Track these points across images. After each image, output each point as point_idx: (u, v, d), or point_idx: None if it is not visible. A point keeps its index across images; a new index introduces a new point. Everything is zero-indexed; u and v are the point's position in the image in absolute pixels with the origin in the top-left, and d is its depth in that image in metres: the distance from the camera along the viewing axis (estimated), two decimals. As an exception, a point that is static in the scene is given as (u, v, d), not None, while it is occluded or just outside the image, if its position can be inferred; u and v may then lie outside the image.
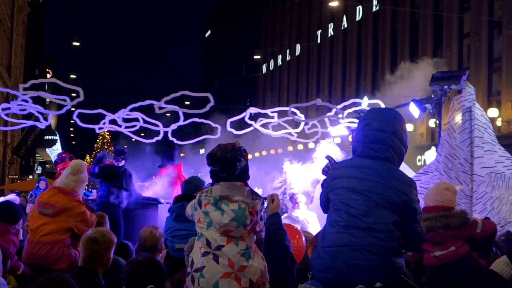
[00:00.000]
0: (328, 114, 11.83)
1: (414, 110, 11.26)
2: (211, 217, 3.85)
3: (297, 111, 11.89)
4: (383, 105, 11.50)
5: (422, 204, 4.41)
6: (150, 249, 5.52)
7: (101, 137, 71.08)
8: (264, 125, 12.28)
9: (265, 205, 4.23)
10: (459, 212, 5.28)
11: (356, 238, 3.41)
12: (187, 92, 11.35)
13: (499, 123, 27.19)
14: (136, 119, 11.81)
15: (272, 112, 12.25)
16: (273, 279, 3.99)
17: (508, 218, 8.25)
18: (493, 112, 26.62)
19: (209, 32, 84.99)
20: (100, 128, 12.00)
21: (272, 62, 57.46)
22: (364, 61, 40.40)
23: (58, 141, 37.19)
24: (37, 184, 15.11)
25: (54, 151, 39.92)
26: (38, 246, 6.16)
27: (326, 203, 3.80)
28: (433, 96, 10.41)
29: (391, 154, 3.57)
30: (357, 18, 41.65)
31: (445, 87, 9.45)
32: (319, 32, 47.68)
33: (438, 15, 32.30)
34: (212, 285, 3.74)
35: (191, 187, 5.56)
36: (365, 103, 12.22)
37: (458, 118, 8.88)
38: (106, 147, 70.59)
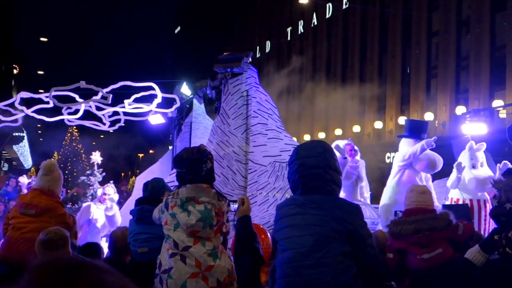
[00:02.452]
0: (94, 97, 11.13)
1: (185, 90, 10.59)
2: (178, 218, 3.90)
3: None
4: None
5: None
6: (120, 250, 5.48)
7: (69, 134, 70.39)
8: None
9: (236, 207, 4.25)
10: (444, 214, 5.32)
11: (307, 278, 3.32)
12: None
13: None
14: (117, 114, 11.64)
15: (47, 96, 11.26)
16: (242, 281, 4.01)
17: None
18: (460, 109, 26.99)
19: (178, 28, 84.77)
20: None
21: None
22: (333, 58, 40.64)
23: (25, 137, 36.78)
24: (7, 182, 14.93)
25: (21, 148, 39.46)
26: (19, 243, 6.12)
27: (274, 246, 3.72)
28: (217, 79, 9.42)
29: (331, 187, 3.51)
30: (327, 16, 41.87)
31: (228, 69, 8.70)
32: (289, 29, 47.84)
33: (407, 13, 32.63)
34: (180, 286, 3.80)
35: (150, 189, 5.50)
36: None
37: (233, 102, 8.33)
38: (74, 144, 69.96)
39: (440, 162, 9.37)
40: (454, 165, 9.49)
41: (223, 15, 65.12)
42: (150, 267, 4.40)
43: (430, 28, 31.62)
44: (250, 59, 8.71)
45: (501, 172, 9.88)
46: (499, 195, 3.89)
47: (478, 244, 4.13)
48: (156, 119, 11.59)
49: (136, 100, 11.42)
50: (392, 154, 31.70)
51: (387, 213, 8.93)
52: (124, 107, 11.31)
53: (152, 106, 11.17)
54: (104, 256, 6.09)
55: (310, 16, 43.94)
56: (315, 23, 43.57)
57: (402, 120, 31.22)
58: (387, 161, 31.99)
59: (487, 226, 8.74)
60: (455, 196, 10.04)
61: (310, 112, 34.57)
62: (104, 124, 11.90)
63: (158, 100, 11.19)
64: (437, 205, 8.79)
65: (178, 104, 11.11)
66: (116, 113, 11.71)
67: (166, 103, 11.43)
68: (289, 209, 3.55)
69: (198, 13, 74.63)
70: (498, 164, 10.02)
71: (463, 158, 9.81)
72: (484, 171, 9.71)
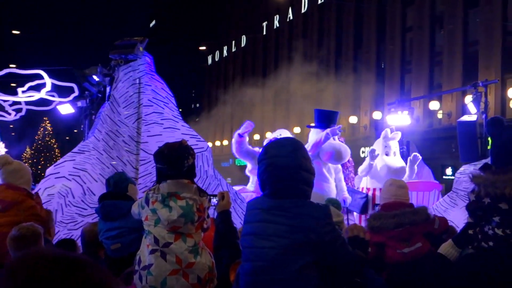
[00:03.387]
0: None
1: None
2: (159, 214, 3.86)
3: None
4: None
5: None
6: (93, 246, 5.43)
7: (41, 129, 69.50)
8: None
9: (215, 202, 4.24)
10: (423, 209, 5.38)
11: None
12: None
13: (440, 115, 27.85)
14: None
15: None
16: (221, 276, 3.99)
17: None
18: (434, 105, 27.23)
19: (153, 22, 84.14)
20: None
21: (217, 53, 57.33)
22: (309, 53, 40.69)
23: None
24: None
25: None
26: None
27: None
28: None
29: (301, 188, 3.31)
30: (303, 10, 41.91)
31: (123, 56, 8.26)
32: (264, 23, 47.79)
33: (382, 9, 32.80)
34: (160, 283, 3.75)
35: (112, 184, 5.42)
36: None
37: (123, 90, 7.92)
38: (47, 139, 69.14)
39: (346, 152, 9.13)
40: (367, 152, 9.56)
41: (199, 9, 64.81)
42: (126, 262, 4.39)
43: (404, 24, 31.83)
44: (144, 46, 8.20)
45: (413, 163, 9.97)
46: (478, 190, 3.89)
47: (451, 239, 4.15)
48: (65, 109, 11.16)
49: (56, 89, 11.13)
50: (367, 148, 31.93)
51: None
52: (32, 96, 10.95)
53: (41, 94, 10.86)
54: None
55: (286, 10, 43.95)
56: (291, 17, 43.60)
57: (377, 115, 31.44)
58: (362, 155, 32.18)
59: None
60: (365, 184, 10.09)
61: (285, 106, 34.63)
62: (10, 114, 11.59)
63: (47, 88, 10.86)
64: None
65: (76, 93, 10.81)
66: (18, 102, 11.37)
67: (81, 92, 11.03)
68: (255, 214, 3.36)
69: (174, 7, 74.17)
70: (409, 157, 10.09)
71: (377, 145, 9.81)
72: (396, 160, 9.68)
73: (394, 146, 9.87)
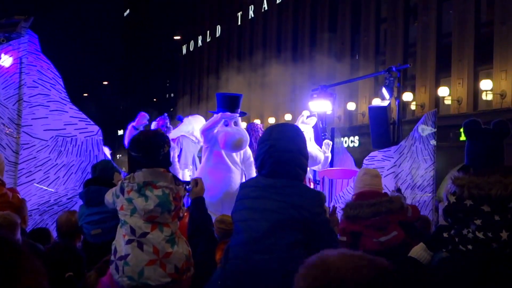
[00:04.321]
0: None
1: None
2: (135, 203, 3.83)
3: None
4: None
5: None
6: (68, 235, 5.39)
7: None
8: None
9: (189, 188, 4.25)
10: (397, 197, 5.42)
11: (255, 263, 3.35)
12: None
13: (413, 107, 28.09)
14: None
15: None
16: (197, 263, 4.01)
17: None
18: (407, 96, 27.45)
19: (128, 11, 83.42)
20: None
21: (192, 43, 57.06)
22: (283, 43, 40.72)
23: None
24: None
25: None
26: None
27: (233, 223, 3.70)
28: None
29: (297, 171, 3.54)
30: (278, 1, 41.85)
31: (6, 34, 7.72)
32: (239, 14, 47.64)
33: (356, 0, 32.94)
34: (137, 273, 3.74)
35: (98, 171, 5.43)
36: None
37: (3, 70, 7.38)
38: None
39: (244, 139, 8.56)
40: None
41: (173, -1, 64.38)
42: (104, 249, 4.36)
43: (378, 15, 31.98)
44: (29, 25, 7.62)
45: (326, 149, 9.83)
46: (460, 191, 3.79)
47: (422, 242, 4.08)
48: None
49: None
50: (344, 139, 32.10)
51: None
52: None
53: None
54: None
55: (261, 1, 43.86)
56: (266, 8, 43.52)
57: (351, 105, 31.59)
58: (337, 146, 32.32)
59: None
60: None
61: (260, 95, 34.61)
62: None
63: None
64: None
65: None
66: None
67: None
68: (250, 190, 3.56)
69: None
70: (324, 141, 9.92)
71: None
72: (310, 146, 9.45)
73: (309, 131, 9.52)
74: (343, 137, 31.99)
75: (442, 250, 3.85)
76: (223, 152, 8.51)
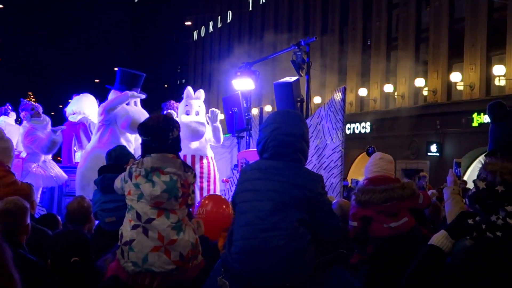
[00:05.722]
0: None
1: None
2: (142, 189, 3.82)
3: None
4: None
5: None
6: (78, 221, 5.40)
7: None
8: None
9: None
10: (410, 183, 5.41)
11: (262, 241, 3.41)
12: None
13: (425, 92, 27.91)
14: None
15: None
16: (210, 255, 4.08)
17: None
18: (419, 82, 27.25)
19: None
20: None
21: (203, 29, 56.90)
22: (295, 28, 40.51)
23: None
24: None
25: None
26: None
27: (233, 207, 3.79)
28: None
29: (298, 156, 3.64)
30: (289, -14, 41.63)
31: None
32: (250, -1, 47.45)
33: (368, -15, 32.69)
34: (141, 259, 3.72)
35: (113, 157, 5.43)
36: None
37: None
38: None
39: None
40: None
41: (183, -16, 64.13)
42: (118, 236, 4.36)
43: (390, 1, 31.71)
44: None
45: (212, 121, 9.40)
46: (492, 177, 3.70)
47: (443, 230, 4.01)
48: None
49: None
50: (353, 125, 32.00)
51: (83, 180, 7.97)
52: None
53: None
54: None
55: (272, -14, 43.62)
56: (277, -7, 43.29)
57: (362, 91, 31.44)
58: (347, 132, 32.22)
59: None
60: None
61: (271, 81, 34.49)
62: None
63: None
64: None
65: None
66: None
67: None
68: (253, 173, 3.64)
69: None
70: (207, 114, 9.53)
71: (181, 106, 9.39)
72: (197, 118, 9.20)
73: (197, 105, 9.31)
74: (355, 123, 31.90)
75: (465, 238, 3.75)
76: (118, 131, 8.22)
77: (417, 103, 28.63)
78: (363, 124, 31.49)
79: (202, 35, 57.00)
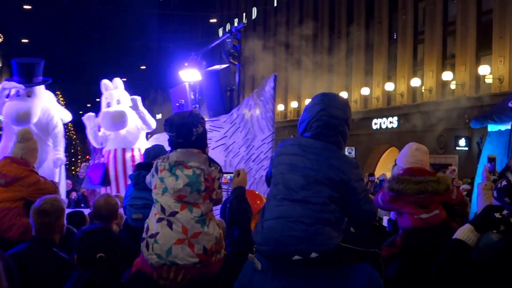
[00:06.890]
0: None
1: None
2: (166, 182, 3.87)
3: None
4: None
5: None
6: (105, 218, 5.44)
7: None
8: None
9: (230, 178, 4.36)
10: (446, 178, 5.38)
11: (291, 210, 3.51)
12: None
13: (453, 86, 27.61)
14: None
15: None
16: (231, 249, 4.10)
17: None
18: (447, 75, 26.99)
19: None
20: None
21: (228, 26, 57.00)
22: (320, 24, 40.38)
23: None
24: None
25: None
26: None
27: (269, 178, 3.91)
28: None
29: (339, 139, 3.73)
30: (314, -19, 41.48)
31: None
32: (275, -5, 47.41)
33: (394, -22, 32.43)
34: (165, 251, 3.76)
35: (151, 156, 5.47)
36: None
37: None
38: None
39: (30, 112, 7.91)
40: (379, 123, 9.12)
41: (208, -19, 64.28)
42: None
43: (417, -7, 31.45)
44: None
45: (135, 108, 9.30)
46: None
47: (469, 223, 3.95)
48: None
49: None
50: (380, 120, 31.79)
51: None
52: None
53: None
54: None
55: (297, -19, 43.51)
56: (302, -12, 43.18)
57: (389, 86, 31.21)
58: (374, 127, 32.03)
59: None
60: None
61: (297, 78, 34.46)
62: None
63: None
64: None
65: None
66: None
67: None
68: (292, 148, 3.74)
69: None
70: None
71: (102, 101, 9.26)
72: (118, 107, 9.11)
73: (117, 95, 9.18)
74: (382, 118, 31.69)
75: (491, 232, 3.68)
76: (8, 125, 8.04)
77: (445, 97, 28.33)
78: (390, 119, 31.27)
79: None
